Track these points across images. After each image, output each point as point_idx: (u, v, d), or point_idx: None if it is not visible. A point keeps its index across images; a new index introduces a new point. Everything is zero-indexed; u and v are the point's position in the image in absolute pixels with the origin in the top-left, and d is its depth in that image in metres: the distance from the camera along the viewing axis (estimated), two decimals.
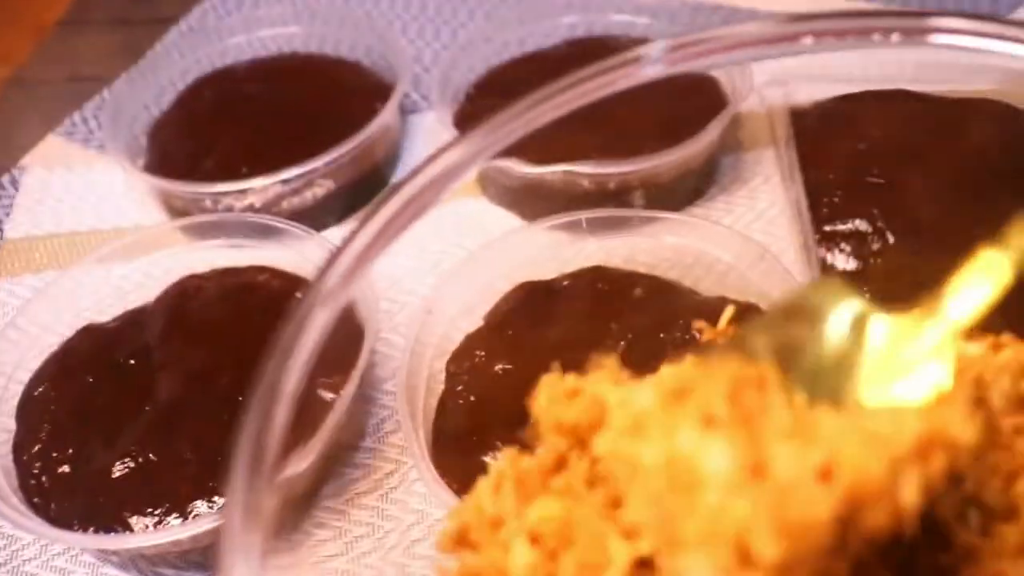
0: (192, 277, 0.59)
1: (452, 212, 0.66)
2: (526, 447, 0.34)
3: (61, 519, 0.48)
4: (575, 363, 0.33)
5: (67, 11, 0.92)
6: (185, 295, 0.58)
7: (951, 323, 0.31)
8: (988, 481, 0.31)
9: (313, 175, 0.65)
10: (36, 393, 0.54)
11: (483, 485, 0.33)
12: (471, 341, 0.54)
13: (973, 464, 0.31)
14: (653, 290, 0.55)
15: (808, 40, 0.37)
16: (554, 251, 0.58)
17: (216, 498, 0.48)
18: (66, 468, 0.50)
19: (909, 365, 0.31)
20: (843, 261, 0.54)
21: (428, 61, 0.80)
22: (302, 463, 0.34)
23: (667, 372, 0.29)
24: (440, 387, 0.53)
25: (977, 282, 0.31)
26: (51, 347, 0.56)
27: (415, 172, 0.36)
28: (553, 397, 0.32)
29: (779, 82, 0.64)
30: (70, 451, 0.51)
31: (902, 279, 0.51)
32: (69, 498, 0.49)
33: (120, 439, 0.51)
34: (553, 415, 0.32)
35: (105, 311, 0.59)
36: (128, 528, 0.48)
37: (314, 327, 0.32)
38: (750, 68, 0.63)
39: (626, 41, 0.73)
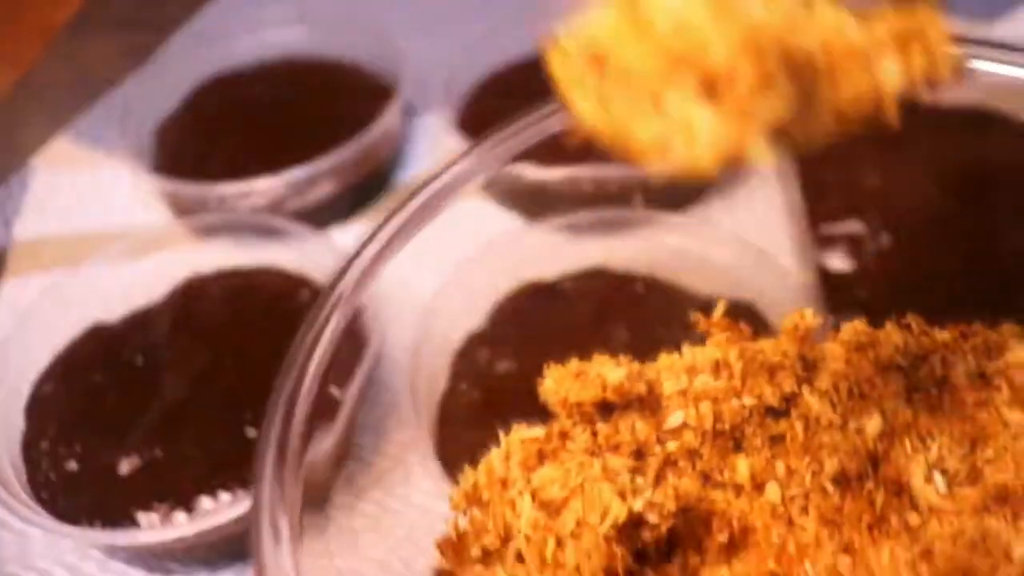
0: (198, 277, 0.60)
1: (456, 213, 0.66)
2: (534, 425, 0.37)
3: (69, 515, 0.49)
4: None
5: (75, 14, 0.93)
6: (191, 295, 0.59)
7: None
8: (953, 449, 0.35)
9: (317, 176, 0.65)
10: (44, 391, 0.55)
11: (494, 452, 0.36)
12: (474, 340, 0.55)
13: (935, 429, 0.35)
14: (653, 290, 0.55)
15: None
16: (556, 251, 0.59)
17: (222, 495, 0.49)
18: (74, 465, 0.51)
19: None
20: (839, 262, 0.54)
21: (431, 63, 0.81)
22: (318, 455, 0.36)
23: None
24: (444, 385, 0.53)
25: None
26: (59, 346, 0.57)
27: (427, 182, 0.38)
28: (559, 379, 0.36)
29: None
30: (78, 448, 0.52)
31: (898, 280, 0.52)
32: (77, 495, 0.50)
33: (127, 437, 0.51)
34: (559, 393, 0.36)
35: (112, 311, 0.59)
36: (135, 524, 0.49)
37: (330, 331, 0.35)
38: None
39: None
